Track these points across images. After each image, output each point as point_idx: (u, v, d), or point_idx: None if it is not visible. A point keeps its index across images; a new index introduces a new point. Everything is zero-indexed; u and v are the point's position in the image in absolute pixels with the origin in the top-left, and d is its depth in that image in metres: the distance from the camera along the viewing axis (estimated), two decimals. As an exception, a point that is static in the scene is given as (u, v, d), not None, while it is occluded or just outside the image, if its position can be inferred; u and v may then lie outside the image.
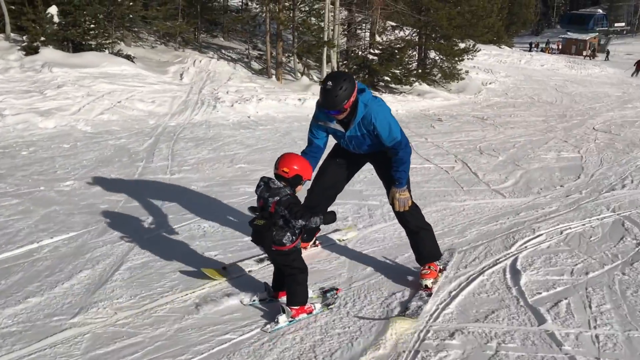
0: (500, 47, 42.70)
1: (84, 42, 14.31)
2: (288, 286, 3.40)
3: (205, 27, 21.87)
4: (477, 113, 15.23)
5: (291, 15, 17.40)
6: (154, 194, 6.07)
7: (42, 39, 13.21)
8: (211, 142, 9.03)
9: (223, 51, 19.73)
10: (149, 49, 18.39)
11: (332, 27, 17.18)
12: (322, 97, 3.52)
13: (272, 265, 3.72)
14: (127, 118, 10.48)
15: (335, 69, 17.39)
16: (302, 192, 3.58)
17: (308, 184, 3.84)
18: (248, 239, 4.77)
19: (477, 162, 8.60)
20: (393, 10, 19.71)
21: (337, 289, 3.79)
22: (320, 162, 4.17)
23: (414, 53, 21.14)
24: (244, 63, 18.43)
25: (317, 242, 4.72)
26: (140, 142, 8.74)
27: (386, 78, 18.83)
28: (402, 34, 21.39)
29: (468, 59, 20.97)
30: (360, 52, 19.85)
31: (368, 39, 20.83)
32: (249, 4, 21.82)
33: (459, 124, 12.99)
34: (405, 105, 16.03)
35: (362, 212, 5.79)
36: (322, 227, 4.28)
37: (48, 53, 12.96)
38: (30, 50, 12.93)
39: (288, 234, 3.25)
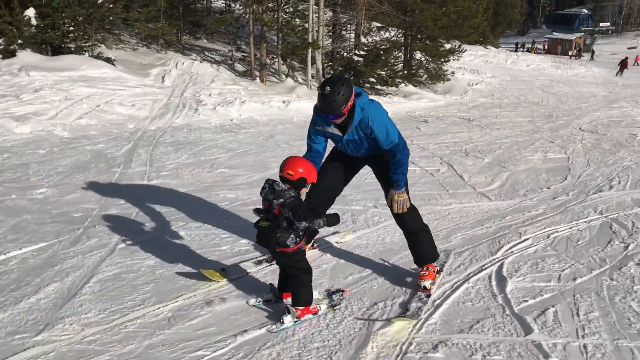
0: (486, 48, 42.86)
1: (63, 45, 14.04)
2: (292, 287, 3.42)
3: (189, 29, 21.63)
4: (463, 114, 15.17)
5: (275, 16, 17.24)
6: (130, 202, 5.88)
7: (20, 42, 12.92)
8: (192, 147, 8.83)
9: (206, 53, 19.51)
10: (131, 51, 18.14)
11: (316, 29, 17.03)
12: (320, 102, 3.52)
13: (270, 267, 3.88)
14: (106, 122, 10.25)
15: (320, 71, 17.25)
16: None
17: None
18: (225, 247, 4.63)
19: (463, 164, 8.49)
20: (378, 11, 19.60)
21: (343, 291, 3.80)
22: None
23: (400, 54, 21.03)
24: (228, 65, 18.23)
25: (315, 244, 4.67)
26: (118, 147, 8.53)
27: (372, 79, 18.70)
28: (387, 35, 21.28)
29: (454, 59, 20.92)
30: (345, 54, 19.71)
31: (353, 40, 20.70)
32: (232, 5, 21.60)
33: (445, 125, 12.90)
34: (391, 106, 15.88)
35: (346, 217, 5.63)
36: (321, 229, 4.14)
37: (25, 56, 12.67)
38: (7, 54, 12.64)
39: (292, 235, 3.28)
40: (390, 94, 18.99)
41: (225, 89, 14.59)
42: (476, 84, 23.16)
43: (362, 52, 19.37)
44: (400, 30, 20.95)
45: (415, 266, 4.12)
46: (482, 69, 28.96)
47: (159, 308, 3.53)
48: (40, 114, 9.91)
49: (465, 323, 3.47)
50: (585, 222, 5.70)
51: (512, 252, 4.78)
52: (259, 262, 4.30)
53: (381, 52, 18.82)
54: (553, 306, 3.70)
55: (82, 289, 3.77)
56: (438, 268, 4.14)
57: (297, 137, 10.23)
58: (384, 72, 18.90)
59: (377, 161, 3.93)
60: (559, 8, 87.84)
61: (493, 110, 16.42)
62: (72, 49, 14.28)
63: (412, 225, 3.95)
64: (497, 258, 4.63)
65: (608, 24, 76.97)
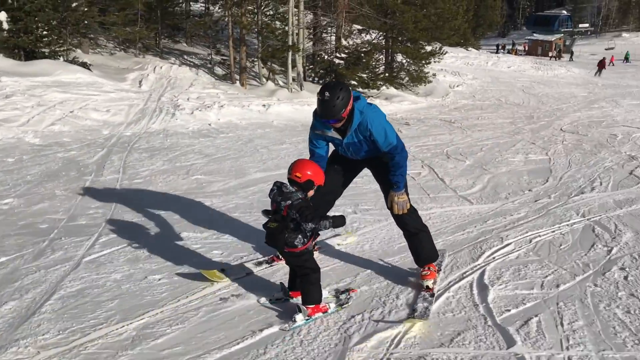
0: (467, 50, 43.05)
1: (36, 50, 13.71)
2: (302, 286, 3.49)
3: (168, 33, 21.36)
4: (445, 116, 15.11)
5: (255, 19, 17.05)
6: (100, 211, 5.66)
7: (-9, 46, 12.60)
8: (167, 152, 8.61)
9: (185, 57, 19.27)
10: (108, 55, 17.85)
11: (296, 31, 16.87)
12: (320, 108, 3.58)
13: (270, 267, 4.06)
14: (80, 128, 9.98)
15: (301, 74, 17.10)
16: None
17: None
18: (197, 259, 4.43)
19: (444, 167, 8.38)
20: (358, 13, 19.51)
21: (351, 290, 3.85)
22: None
23: (381, 56, 20.99)
24: (207, 69, 18.00)
25: (317, 246, 4.63)
26: (91, 154, 8.28)
27: (353, 82, 18.59)
28: (368, 37, 21.20)
29: (435, 61, 20.91)
30: (326, 56, 19.60)
31: (334, 42, 20.58)
32: (211, 8, 21.36)
33: (427, 127, 12.82)
34: (372, 109, 15.80)
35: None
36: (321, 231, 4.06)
37: (-3, 61, 12.36)
38: (-22, 59, 12.31)
39: (300, 236, 3.36)
40: (372, 96, 18.88)
41: (204, 93, 14.37)
42: (457, 86, 23.19)
43: (343, 55, 19.28)
44: (381, 33, 20.89)
45: (405, 268, 4.16)
46: (463, 71, 29.05)
47: (123, 326, 3.32)
48: (11, 120, 9.61)
49: (445, 336, 3.32)
50: (567, 225, 5.59)
51: (493, 258, 4.65)
52: (259, 264, 4.30)
53: (362, 54, 18.76)
54: (536, 315, 3.57)
55: (41, 307, 3.54)
56: (437, 268, 4.17)
57: (276, 141, 10.06)
58: (365, 75, 18.85)
59: (376, 164, 3.99)
60: (539, 9, 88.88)
61: (474, 112, 16.39)
62: (46, 54, 13.98)
63: (412, 225, 4.00)
64: (479, 265, 4.49)
65: (587, 25, 77.98)
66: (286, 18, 16.87)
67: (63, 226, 5.19)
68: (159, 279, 4.04)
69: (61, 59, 14.23)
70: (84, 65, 14.14)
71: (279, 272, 4.23)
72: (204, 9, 23.22)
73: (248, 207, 5.92)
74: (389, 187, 3.88)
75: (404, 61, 20.86)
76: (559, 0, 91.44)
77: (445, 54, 21.85)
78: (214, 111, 12.15)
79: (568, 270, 4.36)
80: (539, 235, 5.25)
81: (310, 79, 19.07)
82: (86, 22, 15.54)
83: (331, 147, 4.05)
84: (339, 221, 3.38)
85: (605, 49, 59.95)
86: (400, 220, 3.97)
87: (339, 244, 4.87)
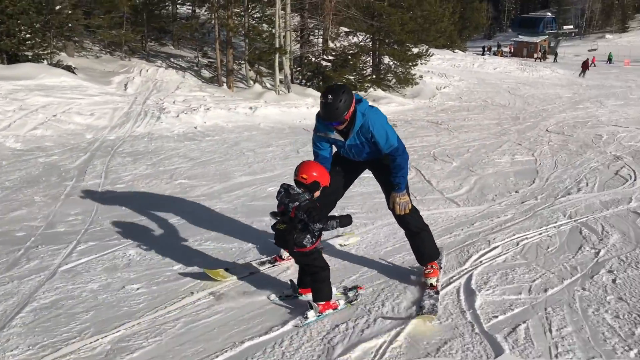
0: (453, 52, 43.16)
1: (19, 53, 13.49)
2: (313, 284, 3.56)
3: (154, 36, 21.17)
4: (432, 118, 15.09)
5: (242, 21, 16.94)
6: (80, 218, 5.52)
7: (-29, 50, 12.37)
8: (151, 156, 8.47)
9: (172, 59, 19.10)
10: (94, 59, 17.63)
11: (283, 34, 16.77)
12: (323, 111, 3.65)
13: (273, 267, 4.22)
14: (63, 133, 9.80)
15: (289, 76, 16.99)
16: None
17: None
18: (177, 267, 4.32)
19: (431, 168, 8.32)
20: (345, 15, 19.45)
21: (358, 287, 3.92)
22: None
23: (368, 59, 20.94)
24: (194, 71, 17.86)
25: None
26: (73, 159, 8.12)
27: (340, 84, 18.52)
28: (355, 39, 21.15)
29: (422, 63, 20.91)
30: (313, 59, 19.51)
31: (321, 45, 20.51)
32: (197, 10, 21.20)
33: (414, 129, 12.78)
34: (359, 111, 15.73)
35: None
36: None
37: (-22, 65, 12.13)
38: (-42, 63, 12.08)
39: (308, 236, 3.43)
40: (359, 98, 18.83)
41: (190, 95, 14.22)
42: (444, 88, 23.22)
43: (330, 57, 19.20)
44: (368, 35, 20.85)
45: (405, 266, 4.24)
46: (449, 73, 29.11)
47: (97, 340, 3.20)
48: (-9, 125, 9.43)
49: (432, 345, 3.23)
50: (554, 227, 5.54)
51: (481, 262, 4.57)
52: (262, 263, 4.36)
53: (349, 57, 18.70)
54: (524, 322, 3.49)
55: (12, 321, 3.41)
56: (439, 266, 4.23)
57: (263, 144, 9.95)
58: (352, 77, 18.79)
59: (377, 165, 4.05)
60: (524, 12, 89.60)
61: (461, 113, 16.39)
62: (30, 57, 13.75)
63: (414, 225, 4.06)
64: (466, 269, 4.41)
65: (571, 26, 78.74)
66: (273, 20, 16.76)
67: (40, 234, 5.05)
68: (137, 289, 3.92)
69: (45, 62, 14.02)
70: (69, 68, 13.94)
71: (282, 271, 4.27)
72: (190, 11, 23.03)
73: (232, 212, 5.82)
74: (390, 188, 3.95)
75: (391, 63, 20.84)
76: (544, 3, 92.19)
77: (431, 56, 21.86)
78: (200, 114, 12.01)
79: (556, 274, 4.30)
80: (526, 238, 5.19)
81: (298, 81, 18.97)
82: (70, 25, 15.31)
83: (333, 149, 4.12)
84: (346, 221, 3.45)
85: (588, 50, 60.50)
86: (402, 220, 4.04)
87: (341, 245, 4.88)
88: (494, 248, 4.91)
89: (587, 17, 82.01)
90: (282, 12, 16.74)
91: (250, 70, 17.74)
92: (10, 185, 6.66)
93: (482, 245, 4.97)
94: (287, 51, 16.73)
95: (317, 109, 12.51)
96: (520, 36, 63.58)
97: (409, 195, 3.99)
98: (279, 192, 3.48)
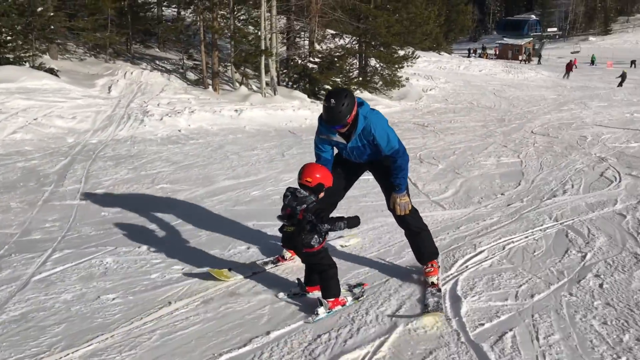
0: (439, 54, 43.36)
1: (0, 56, 13.24)
2: (322, 281, 3.65)
3: (140, 38, 20.95)
4: (418, 120, 15.05)
5: (228, 23, 16.80)
6: (57, 224, 5.38)
7: (-50, 53, 12.12)
8: (133, 160, 8.32)
9: (157, 62, 18.90)
10: (78, 61, 17.39)
11: (269, 36, 16.66)
12: (326, 114, 3.71)
13: (274, 268, 4.33)
14: (43, 137, 9.61)
15: (275, 78, 16.88)
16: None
17: None
18: (155, 275, 4.20)
19: (417, 171, 8.25)
20: (331, 18, 19.39)
21: (363, 284, 4.00)
22: None
23: (355, 61, 20.90)
24: (179, 74, 17.68)
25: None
26: (53, 163, 7.95)
27: (327, 87, 18.45)
28: (341, 42, 21.09)
29: (408, 66, 20.89)
30: (300, 61, 19.41)
31: (307, 47, 20.42)
32: (182, 12, 21.01)
33: (400, 131, 12.67)
34: (346, 113, 15.65)
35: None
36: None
37: (-44, 68, 11.89)
38: (-64, 66, 11.82)
39: (315, 236, 3.52)
40: (346, 101, 18.76)
41: (175, 98, 14.07)
42: (430, 90, 23.24)
43: (316, 60, 19.13)
44: (354, 37, 20.80)
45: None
46: (436, 75, 29.18)
47: (68, 355, 3.06)
48: (-32, 129, 9.22)
49: (416, 355, 3.14)
50: (540, 230, 5.48)
51: (466, 267, 4.50)
52: (265, 263, 4.39)
53: (336, 59, 18.63)
54: (511, 329, 3.41)
55: (-20, 334, 3.27)
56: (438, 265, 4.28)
57: (248, 147, 9.83)
58: (339, 79, 18.72)
59: (377, 166, 4.12)
60: (509, 14, 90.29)
61: (447, 115, 16.38)
62: (11, 60, 13.52)
63: (414, 225, 4.13)
64: (452, 274, 4.33)
65: (555, 29, 79.41)
66: (259, 23, 16.65)
67: (15, 242, 4.90)
68: (113, 299, 3.79)
69: (27, 64, 13.79)
70: (51, 71, 13.73)
71: (286, 271, 4.32)
72: (176, 13, 22.82)
73: (214, 218, 5.69)
74: (390, 189, 4.01)
75: (378, 65, 20.80)
76: (528, 5, 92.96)
77: (417, 58, 21.86)
78: (184, 117, 11.87)
79: (542, 279, 4.23)
80: (512, 242, 5.12)
81: (284, 84, 18.87)
82: (52, 27, 15.08)
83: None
84: (354, 222, 3.57)
85: (571, 52, 60.96)
86: (402, 220, 4.11)
87: (342, 246, 4.89)
88: (480, 252, 4.83)
89: (570, 20, 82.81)
90: (268, 14, 16.64)
91: (236, 72, 17.60)
92: (-14, 191, 6.48)
93: (468, 250, 4.89)
94: (273, 53, 16.63)
95: (303, 111, 12.40)
96: (505, 38, 63.99)
97: (409, 196, 4.05)
98: (285, 195, 3.56)
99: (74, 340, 3.22)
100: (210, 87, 16.46)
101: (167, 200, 6.35)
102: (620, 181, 7.59)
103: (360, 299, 3.82)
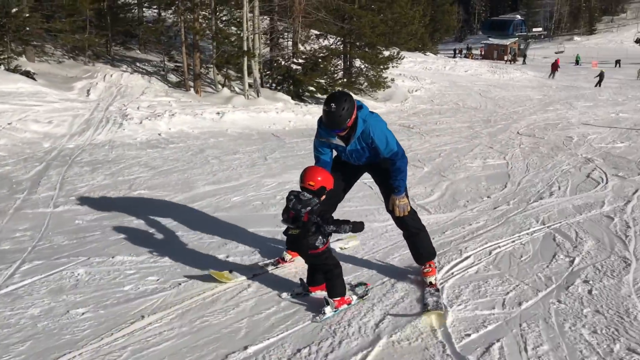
0: (425, 54, 43.43)
1: (-27, 59, 12.95)
2: (327, 281, 3.71)
3: (120, 40, 20.64)
4: (404, 121, 14.95)
5: (209, 24, 16.58)
6: (28, 234, 5.16)
7: None
8: (110, 166, 8.08)
9: (138, 64, 18.63)
10: (56, 64, 17.05)
11: (252, 37, 16.47)
12: (326, 119, 3.75)
13: (276, 269, 4.38)
14: (18, 141, 9.33)
15: (258, 80, 16.69)
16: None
17: None
18: (129, 287, 4.01)
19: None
20: (315, 18, 19.23)
21: (366, 284, 4.06)
22: None
23: (339, 62, 20.75)
24: (161, 76, 17.42)
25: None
26: (27, 169, 7.69)
27: (311, 88, 18.30)
28: (326, 42, 20.94)
29: (393, 66, 20.78)
30: (283, 62, 19.23)
31: (291, 48, 20.25)
32: (162, 14, 20.74)
33: (385, 133, 12.58)
34: (330, 115, 15.50)
35: (269, 245, 5.09)
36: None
37: None
38: None
39: (320, 237, 3.59)
40: (331, 102, 18.61)
41: (155, 101, 13.82)
42: (416, 91, 23.18)
43: (300, 61, 18.96)
44: (338, 38, 20.66)
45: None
46: (421, 76, 29.16)
47: (30, 376, 2.89)
48: (-61, 134, 8.93)
49: (400, 370, 3.00)
50: (527, 234, 5.38)
51: (452, 273, 4.37)
52: (266, 265, 4.42)
53: (320, 60, 18.47)
54: (498, 340, 3.28)
55: (-64, 355, 3.07)
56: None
57: (229, 151, 9.63)
58: (323, 81, 18.57)
59: (376, 168, 4.18)
60: (494, 14, 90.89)
61: (433, 116, 16.31)
62: (-16, 63, 13.21)
63: (412, 226, 4.16)
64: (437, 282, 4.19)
65: (540, 29, 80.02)
66: (241, 23, 16.45)
67: (-18, 253, 4.68)
68: (83, 313, 3.60)
69: (1, 67, 13.46)
70: (27, 74, 13.40)
71: (287, 272, 4.32)
72: (156, 14, 22.54)
73: (193, 226, 5.50)
74: (389, 191, 4.04)
75: (363, 66, 20.67)
76: (513, 5, 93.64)
77: (403, 58, 21.77)
78: (165, 120, 11.64)
79: (530, 285, 4.11)
80: (499, 246, 5.01)
81: (268, 85, 18.69)
82: (28, 29, 14.75)
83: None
84: (358, 227, 3.67)
85: (555, 53, 61.44)
86: (401, 222, 4.14)
87: (341, 248, 4.84)
88: (466, 258, 4.72)
89: (555, 20, 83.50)
90: (251, 14, 16.45)
91: (218, 74, 17.39)
92: (-45, 199, 6.24)
93: (454, 256, 4.77)
94: (256, 54, 16.44)
95: (286, 113, 12.21)
96: (490, 39, 64.30)
97: (407, 197, 4.08)
98: (289, 199, 3.59)
99: (39, 359, 3.03)
100: (192, 89, 16.23)
101: (144, 207, 6.14)
102: (607, 182, 7.52)
103: (365, 297, 3.86)
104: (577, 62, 51.51)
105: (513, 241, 5.16)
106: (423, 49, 44.78)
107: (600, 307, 3.73)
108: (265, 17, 19.51)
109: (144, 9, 22.36)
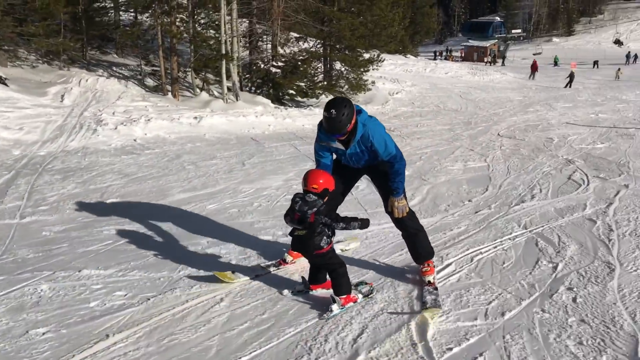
0: (405, 57, 43.52)
1: (-59, 64, 12.54)
2: (333, 280, 3.79)
3: (97, 44, 20.25)
4: (384, 124, 14.69)
5: (187, 27, 16.33)
6: (-10, 247, 4.91)
7: None
8: (82, 173, 7.83)
9: (114, 68, 18.27)
10: (29, 69, 16.63)
11: (230, 40, 16.25)
12: (327, 124, 3.82)
13: (277, 270, 4.46)
14: (-14, 149, 9.03)
15: (237, 83, 16.48)
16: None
17: None
18: (95, 303, 3.81)
19: (383, 178, 7.97)
20: (294, 21, 19.05)
21: (367, 283, 4.13)
22: None
23: (319, 65, 20.59)
24: (138, 80, 17.11)
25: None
26: (-6, 178, 7.42)
27: (291, 91, 18.12)
28: (306, 45, 20.77)
29: (374, 69, 20.67)
30: (262, 65, 19.02)
31: (270, 51, 20.05)
32: (139, 17, 20.42)
33: (366, 136, 12.46)
34: (312, 119, 15.34)
35: (249, 252, 4.91)
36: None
37: None
38: None
39: (325, 237, 3.69)
40: (311, 105, 18.51)
41: (131, 106, 13.53)
42: (397, 93, 23.14)
43: (279, 64, 18.76)
44: (318, 41, 20.51)
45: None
46: (402, 78, 29.14)
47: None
48: None
49: (378, 389, 2.84)
50: (509, 239, 5.26)
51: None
52: (267, 266, 4.48)
53: (299, 62, 18.29)
54: (481, 354, 3.15)
55: None
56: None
57: (206, 156, 9.42)
58: (303, 84, 18.38)
59: (375, 171, 4.27)
60: (473, 16, 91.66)
61: (413, 119, 16.24)
62: (-46, 68, 12.82)
63: (411, 227, 4.27)
64: (418, 292, 4.05)
65: (519, 30, 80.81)
66: (220, 26, 16.22)
67: (-60, 269, 4.43)
68: (43, 333, 3.38)
69: (-29, 73, 13.10)
70: (-2, 79, 13.06)
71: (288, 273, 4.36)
72: (133, 18, 22.19)
73: (165, 236, 5.30)
74: (388, 193, 4.14)
75: (343, 69, 20.53)
76: (492, 7, 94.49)
77: (383, 61, 21.68)
78: (141, 125, 11.37)
79: (513, 294, 3.99)
80: (481, 252, 4.89)
81: (247, 89, 18.47)
82: (-1, 33, 14.38)
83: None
84: (366, 224, 3.83)
85: (533, 54, 62.01)
86: (400, 223, 4.23)
87: (342, 250, 4.83)
88: (447, 265, 4.60)
89: (534, 21, 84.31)
90: (229, 17, 16.24)
91: (196, 78, 17.13)
92: None
93: (435, 263, 4.61)
94: (234, 58, 16.23)
95: (266, 117, 12.02)
96: (470, 40, 64.77)
97: (406, 199, 4.18)
98: (295, 201, 3.68)
99: (-11, 388, 2.83)
100: (170, 93, 15.96)
101: (115, 216, 5.91)
102: (588, 184, 7.46)
103: (370, 296, 3.93)
104: (555, 64, 52.00)
105: (495, 247, 5.04)
106: (403, 51, 44.85)
107: (585, 316, 3.61)
108: (243, 20, 19.29)
109: (120, 13, 21.98)
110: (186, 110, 13.62)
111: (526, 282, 4.21)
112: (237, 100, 15.93)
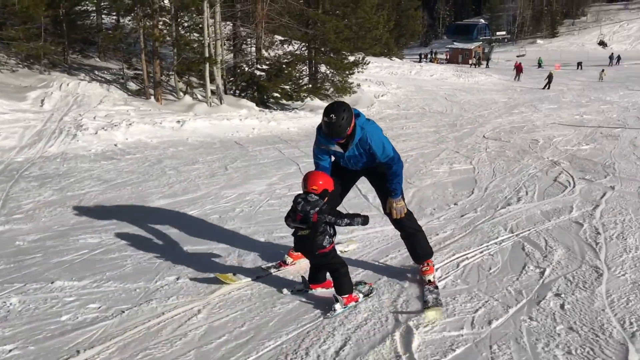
0: (391, 59, 43.60)
1: None
2: (335, 279, 3.84)
3: (79, 47, 19.96)
4: (370, 126, 14.74)
5: (170, 30, 16.13)
6: (-41, 258, 4.71)
7: None
8: (60, 180, 7.63)
9: (96, 72, 18.01)
10: (9, 73, 16.33)
11: (214, 43, 16.09)
12: (326, 129, 3.87)
13: (278, 271, 4.50)
14: (-39, 156, 8.79)
15: (221, 87, 16.31)
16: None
17: None
18: (66, 317, 3.66)
19: (367, 182, 7.85)
20: (278, 23, 18.94)
21: (367, 283, 4.15)
22: None
23: (304, 67, 20.50)
24: (120, 84, 16.87)
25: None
26: (-32, 186, 7.20)
27: (276, 94, 17.99)
28: (290, 48, 20.66)
29: (359, 72, 20.65)
30: (247, 68, 18.87)
31: (255, 54, 19.90)
32: (121, 20, 20.16)
33: (351, 139, 12.37)
34: (296, 122, 15.24)
35: (231, 257, 4.77)
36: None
37: None
38: None
39: (327, 237, 3.76)
40: (297, 108, 18.40)
41: (113, 110, 13.31)
42: (382, 96, 23.11)
43: (264, 67, 18.63)
44: (303, 44, 20.41)
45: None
46: (387, 80, 29.15)
47: None
48: None
49: (361, 406, 2.72)
50: (496, 243, 5.18)
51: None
52: (268, 268, 4.52)
53: (284, 65, 18.18)
54: (467, 366, 3.04)
55: None
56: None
57: (188, 161, 9.26)
58: (288, 87, 18.28)
59: (373, 173, 4.33)
60: (458, 19, 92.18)
61: (399, 121, 16.19)
62: None
63: (409, 227, 4.32)
64: (403, 300, 3.94)
65: (504, 32, 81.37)
66: (203, 29, 16.05)
67: None
68: (10, 351, 3.22)
69: (-52, 77, 12.81)
70: (-25, 84, 12.78)
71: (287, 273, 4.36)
72: (115, 21, 21.91)
73: (143, 244, 5.13)
74: (386, 195, 4.21)
75: (328, 72, 20.46)
76: (477, 10, 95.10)
77: (368, 64, 21.66)
78: (122, 130, 11.18)
79: (500, 301, 3.89)
80: (467, 258, 4.79)
81: (232, 92, 18.31)
82: (-25, 36, 14.08)
83: None
84: (367, 220, 3.86)
85: (517, 56, 62.45)
86: (398, 223, 4.29)
87: (341, 251, 4.70)
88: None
89: (518, 23, 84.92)
90: (212, 20, 16.08)
91: (179, 81, 16.94)
92: None
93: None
94: (218, 61, 16.07)
95: (250, 120, 11.89)
96: (455, 43, 65.10)
97: (404, 200, 4.24)
98: (297, 202, 3.74)
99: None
100: (153, 97, 15.75)
101: (92, 224, 5.74)
102: (574, 186, 7.42)
103: (370, 295, 3.98)
104: (539, 65, 52.37)
105: (481, 252, 4.95)
106: (388, 54, 44.96)
107: (573, 324, 3.52)
108: (227, 22, 19.13)
109: (102, 16, 21.70)
110: (169, 114, 13.44)
111: (513, 288, 4.12)
112: (221, 103, 15.78)
